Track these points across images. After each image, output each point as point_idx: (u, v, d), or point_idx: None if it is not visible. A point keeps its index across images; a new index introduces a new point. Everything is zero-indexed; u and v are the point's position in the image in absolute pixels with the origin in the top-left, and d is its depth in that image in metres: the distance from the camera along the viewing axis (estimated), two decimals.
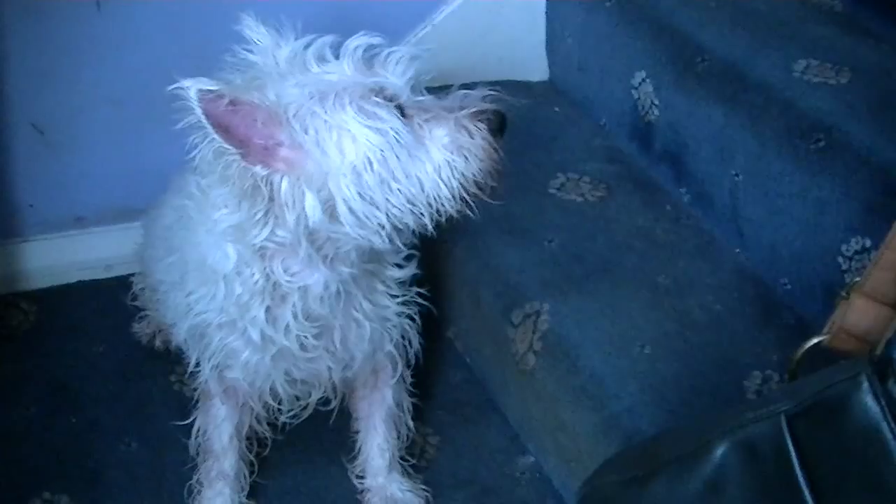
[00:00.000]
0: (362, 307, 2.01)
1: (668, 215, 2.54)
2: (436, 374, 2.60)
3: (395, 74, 1.79)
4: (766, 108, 2.31)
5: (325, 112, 1.72)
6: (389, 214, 1.76)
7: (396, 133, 1.72)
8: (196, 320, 2.01)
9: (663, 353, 2.14)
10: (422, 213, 1.78)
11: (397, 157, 1.73)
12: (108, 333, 2.73)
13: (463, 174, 1.77)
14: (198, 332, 2.04)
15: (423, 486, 2.33)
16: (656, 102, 2.61)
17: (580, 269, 2.36)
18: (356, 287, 1.97)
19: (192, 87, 1.63)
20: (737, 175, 2.37)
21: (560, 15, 3.02)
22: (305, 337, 1.97)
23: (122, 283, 2.78)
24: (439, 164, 1.76)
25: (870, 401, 1.23)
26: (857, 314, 1.45)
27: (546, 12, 3.08)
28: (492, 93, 1.82)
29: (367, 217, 1.75)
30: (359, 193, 1.73)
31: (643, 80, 2.64)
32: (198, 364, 2.10)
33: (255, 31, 1.81)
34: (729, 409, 1.41)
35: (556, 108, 2.98)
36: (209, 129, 1.66)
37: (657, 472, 1.41)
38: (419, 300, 2.14)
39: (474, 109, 1.78)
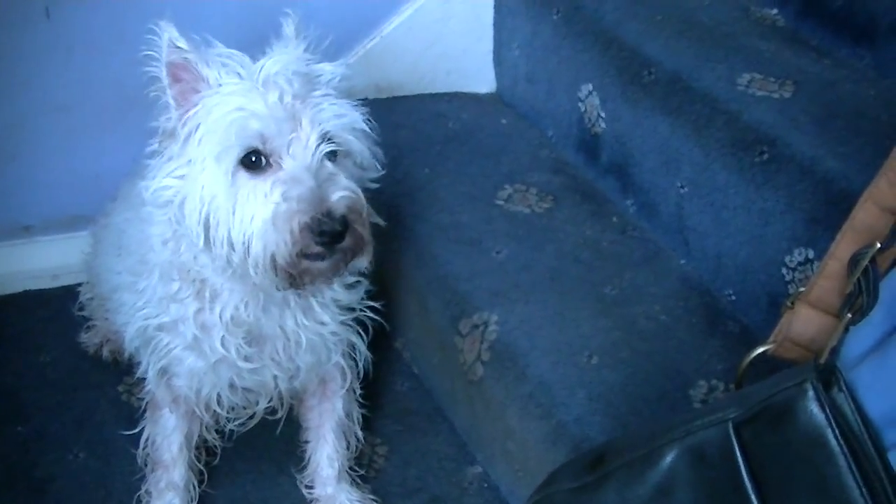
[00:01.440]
0: (298, 321, 2.03)
1: (614, 226, 2.57)
2: (383, 384, 2.60)
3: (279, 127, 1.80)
4: (711, 120, 2.34)
5: (208, 127, 1.80)
6: (215, 244, 1.83)
7: (223, 185, 1.79)
8: (142, 322, 2.05)
9: (610, 362, 2.16)
10: (240, 261, 1.82)
11: (224, 203, 1.80)
12: (54, 343, 2.71)
13: (264, 251, 1.79)
14: (144, 335, 2.07)
15: (372, 496, 2.33)
16: (603, 115, 2.63)
17: (528, 279, 2.38)
18: (286, 302, 2.01)
19: (167, 32, 1.80)
20: (682, 187, 2.40)
21: (507, 27, 3.04)
22: (240, 345, 2.01)
23: (69, 293, 2.78)
24: (248, 230, 1.79)
25: (815, 408, 1.26)
26: (802, 323, 1.47)
27: (493, 24, 3.09)
28: (349, 196, 1.80)
29: (192, 231, 1.84)
30: (202, 214, 1.82)
31: (590, 92, 2.67)
32: (147, 371, 2.11)
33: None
34: (678, 416, 1.43)
35: (503, 120, 3.00)
36: (163, 70, 1.81)
37: (607, 478, 1.43)
38: (369, 314, 2.17)
39: (307, 214, 1.76)
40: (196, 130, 1.81)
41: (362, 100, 1.92)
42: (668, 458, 1.37)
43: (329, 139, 1.81)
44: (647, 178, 2.54)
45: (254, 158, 1.78)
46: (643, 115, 2.50)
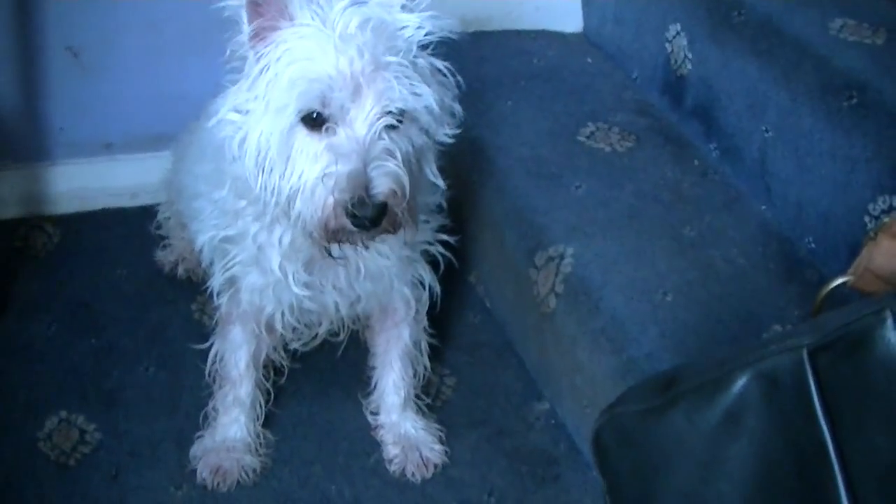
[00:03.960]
0: (358, 250, 1.98)
1: (695, 170, 2.54)
2: (455, 316, 2.60)
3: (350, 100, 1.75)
4: (800, 64, 2.30)
5: (275, 74, 1.77)
6: (266, 189, 1.82)
7: (280, 137, 1.78)
8: (213, 232, 2.08)
9: (685, 301, 2.14)
10: (283, 213, 1.84)
11: (279, 154, 1.79)
12: (130, 259, 2.74)
13: (301, 213, 1.79)
14: (213, 244, 2.09)
15: (437, 426, 2.32)
16: (690, 56, 2.60)
17: (606, 216, 2.35)
18: None
19: None
20: (767, 131, 2.37)
21: None
22: (297, 271, 2.01)
23: (146, 212, 2.80)
24: (295, 185, 1.78)
25: (893, 337, 1.23)
26: (884, 255, 1.44)
27: None
28: (392, 181, 1.75)
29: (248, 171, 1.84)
30: (258, 158, 1.81)
31: (678, 32, 2.63)
32: (216, 281, 2.13)
33: None
34: (751, 342, 1.40)
35: (589, 60, 2.98)
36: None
37: (677, 401, 1.41)
38: (440, 249, 2.16)
39: (345, 196, 1.73)
40: (266, 71, 1.79)
41: (447, 35, 1.88)
42: (740, 383, 1.35)
43: (393, 112, 1.77)
44: (732, 122, 2.50)
45: (315, 116, 1.75)
46: (731, 56, 2.47)
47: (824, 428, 1.28)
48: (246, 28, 1.79)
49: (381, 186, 1.73)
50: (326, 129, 1.75)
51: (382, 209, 1.74)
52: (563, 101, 2.75)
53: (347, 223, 1.74)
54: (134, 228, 2.82)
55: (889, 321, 1.23)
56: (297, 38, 1.76)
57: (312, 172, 1.75)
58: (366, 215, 1.73)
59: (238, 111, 1.82)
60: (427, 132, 1.86)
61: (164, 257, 2.70)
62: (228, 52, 1.84)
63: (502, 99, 2.72)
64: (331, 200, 1.74)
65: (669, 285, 2.17)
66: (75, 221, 2.86)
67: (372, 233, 1.79)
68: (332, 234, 1.79)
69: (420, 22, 1.82)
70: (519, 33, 3.07)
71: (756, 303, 2.16)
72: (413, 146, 1.82)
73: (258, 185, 1.83)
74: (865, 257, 1.47)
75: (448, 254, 2.17)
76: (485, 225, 2.55)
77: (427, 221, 2.10)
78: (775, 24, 2.40)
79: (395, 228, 1.81)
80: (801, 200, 2.31)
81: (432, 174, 1.92)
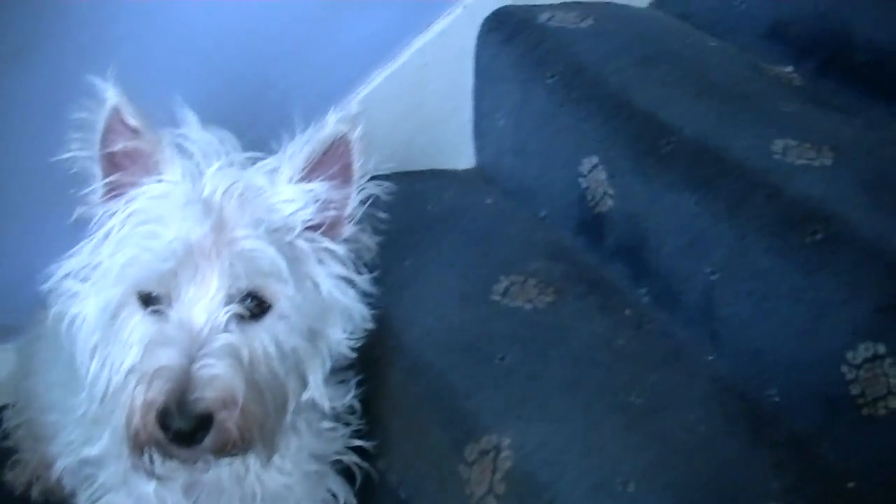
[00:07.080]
0: (253, 471, 1.70)
1: (628, 320, 2.24)
2: None
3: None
4: (748, 196, 2.06)
5: (123, 221, 1.50)
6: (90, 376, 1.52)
7: (111, 309, 1.51)
8: (71, 452, 1.75)
9: (649, 488, 1.82)
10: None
11: (104, 326, 1.52)
12: None
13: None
14: (74, 469, 1.76)
15: None
16: (610, 192, 2.33)
17: (541, 390, 2.03)
18: None
19: (112, 97, 1.51)
20: (712, 273, 2.11)
21: (490, 93, 2.75)
22: (178, 501, 1.68)
23: None
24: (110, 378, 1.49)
25: None
26: None
27: (474, 91, 2.80)
28: (220, 385, 1.43)
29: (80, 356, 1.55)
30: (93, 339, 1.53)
31: (594, 166, 2.36)
32: None
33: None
34: None
35: (488, 200, 2.68)
36: (97, 140, 1.53)
37: None
38: (356, 459, 1.90)
39: (157, 399, 1.41)
40: (110, 233, 1.52)
41: None
42: None
43: (249, 295, 1.48)
44: (666, 263, 2.23)
45: (151, 293, 1.47)
46: (661, 191, 2.21)
47: None
48: (100, 183, 1.54)
49: (206, 392, 1.40)
50: (159, 312, 1.46)
51: (204, 422, 1.40)
52: (468, 254, 2.44)
53: (160, 435, 1.40)
54: None
55: None
56: (152, 196, 1.50)
57: (127, 363, 1.44)
58: (180, 427, 1.38)
59: (77, 279, 1.54)
60: (310, 333, 1.56)
61: (15, 477, 2.34)
62: (76, 213, 1.57)
63: (398, 258, 2.40)
64: (138, 402, 1.40)
65: (628, 470, 1.85)
66: None
67: (198, 452, 1.45)
68: (144, 447, 1.45)
69: (307, 199, 1.56)
70: (409, 175, 2.76)
71: (729, 476, 1.86)
72: (279, 349, 1.51)
73: (88, 376, 1.51)
74: None
75: (365, 465, 1.88)
76: (398, 413, 2.20)
77: (335, 429, 1.80)
78: (712, 152, 2.16)
79: (236, 449, 1.47)
80: (759, 348, 2.04)
81: (317, 389, 1.62)
